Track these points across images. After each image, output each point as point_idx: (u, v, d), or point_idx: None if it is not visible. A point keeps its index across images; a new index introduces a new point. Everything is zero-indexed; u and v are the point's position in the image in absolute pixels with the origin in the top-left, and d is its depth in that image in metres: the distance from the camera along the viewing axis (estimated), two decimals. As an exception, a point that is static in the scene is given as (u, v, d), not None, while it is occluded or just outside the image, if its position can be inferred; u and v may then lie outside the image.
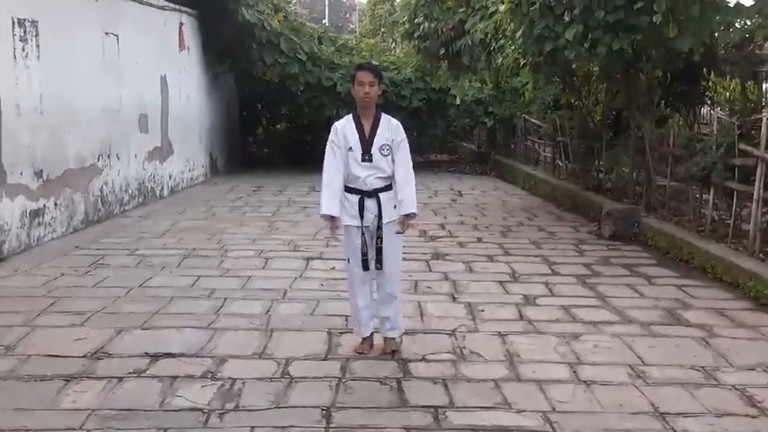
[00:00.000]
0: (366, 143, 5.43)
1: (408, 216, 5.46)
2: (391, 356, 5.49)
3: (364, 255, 5.49)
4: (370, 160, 5.43)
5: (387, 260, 5.51)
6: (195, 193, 14.61)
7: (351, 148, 5.43)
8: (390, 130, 5.49)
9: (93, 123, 10.85)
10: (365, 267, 5.52)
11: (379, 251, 5.49)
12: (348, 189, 5.51)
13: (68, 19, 10.14)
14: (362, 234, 5.49)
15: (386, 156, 5.45)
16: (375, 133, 5.46)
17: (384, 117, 5.55)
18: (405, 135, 5.55)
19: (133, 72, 12.28)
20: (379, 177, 5.46)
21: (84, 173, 10.61)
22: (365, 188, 5.46)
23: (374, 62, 17.80)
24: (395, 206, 5.51)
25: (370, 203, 5.46)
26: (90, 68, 10.82)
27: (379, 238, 5.47)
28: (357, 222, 5.48)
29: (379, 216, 5.46)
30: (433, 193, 14.63)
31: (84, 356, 5.40)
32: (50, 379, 4.98)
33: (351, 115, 5.57)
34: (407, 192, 5.46)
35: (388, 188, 5.52)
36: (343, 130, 5.48)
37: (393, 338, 5.64)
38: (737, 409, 4.65)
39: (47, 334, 5.91)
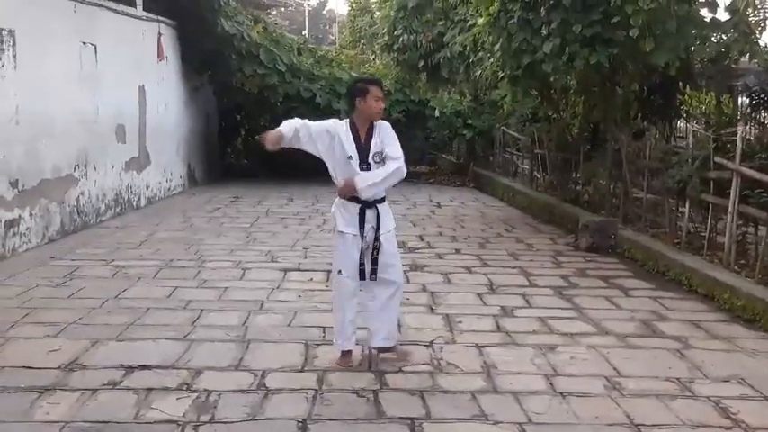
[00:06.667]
0: (363, 152, 5.46)
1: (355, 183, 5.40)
2: (368, 368, 5.49)
3: (361, 264, 5.51)
4: (368, 168, 5.46)
5: (392, 270, 5.57)
6: (173, 203, 14.52)
7: (350, 157, 5.44)
8: (380, 135, 5.50)
9: (69, 133, 10.77)
10: (362, 277, 5.54)
11: (374, 262, 5.50)
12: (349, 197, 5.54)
13: (46, 28, 10.07)
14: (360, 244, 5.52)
15: (378, 163, 5.48)
16: (370, 142, 5.48)
17: (376, 126, 5.55)
18: (392, 132, 5.54)
19: (111, 82, 12.20)
20: None
21: (61, 183, 10.53)
22: (365, 198, 5.49)
23: (353, 74, 18.01)
24: (388, 218, 5.60)
25: (370, 214, 5.51)
26: (67, 78, 10.75)
27: (376, 249, 5.49)
28: (355, 231, 5.50)
29: (377, 227, 5.50)
30: (411, 205, 14.65)
31: (59, 368, 5.34)
32: (24, 391, 4.92)
33: (347, 123, 5.56)
34: (376, 173, 5.42)
35: (384, 199, 5.61)
36: (339, 132, 5.48)
37: (393, 346, 5.65)
38: (712, 420, 4.68)
39: (21, 345, 5.85)
